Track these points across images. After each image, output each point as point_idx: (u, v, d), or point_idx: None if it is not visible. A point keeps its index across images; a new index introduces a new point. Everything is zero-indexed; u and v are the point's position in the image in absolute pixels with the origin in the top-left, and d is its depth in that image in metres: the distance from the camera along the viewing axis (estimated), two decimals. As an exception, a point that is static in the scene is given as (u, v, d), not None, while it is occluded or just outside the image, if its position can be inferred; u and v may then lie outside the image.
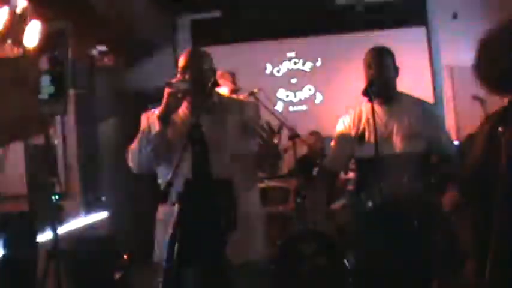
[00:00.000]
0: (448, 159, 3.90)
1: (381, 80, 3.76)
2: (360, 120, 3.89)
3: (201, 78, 3.42)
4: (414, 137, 3.79)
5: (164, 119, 3.32)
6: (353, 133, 3.89)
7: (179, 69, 3.47)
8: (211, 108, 3.42)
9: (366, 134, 3.82)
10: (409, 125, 3.80)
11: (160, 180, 3.53)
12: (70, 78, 5.44)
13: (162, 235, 3.43)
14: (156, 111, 3.39)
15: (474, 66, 2.51)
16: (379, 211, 3.70)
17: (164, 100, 3.34)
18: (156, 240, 3.52)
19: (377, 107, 3.72)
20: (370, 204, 3.75)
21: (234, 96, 4.30)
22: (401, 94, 3.97)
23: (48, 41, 5.00)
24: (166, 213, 3.36)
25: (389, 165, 3.63)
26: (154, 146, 3.35)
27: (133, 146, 3.46)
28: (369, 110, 3.67)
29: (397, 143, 3.76)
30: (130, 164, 3.50)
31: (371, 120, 3.60)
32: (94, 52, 6.76)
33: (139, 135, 3.45)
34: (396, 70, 3.89)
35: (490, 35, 2.52)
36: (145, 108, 3.60)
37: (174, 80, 3.38)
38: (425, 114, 3.89)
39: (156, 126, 3.33)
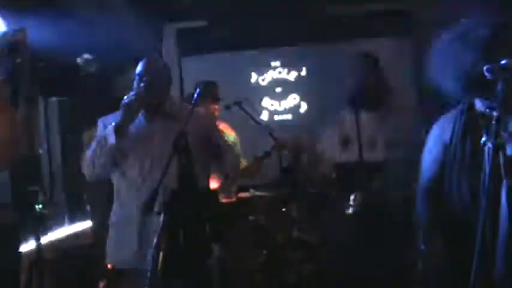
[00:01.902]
0: None
1: (366, 88, 3.78)
2: (344, 127, 3.90)
3: (157, 87, 3.48)
4: (398, 145, 3.80)
5: (121, 132, 3.36)
6: (337, 139, 3.91)
7: (136, 76, 3.54)
8: (164, 116, 3.47)
9: (350, 140, 3.84)
10: (392, 133, 3.82)
11: (118, 185, 3.59)
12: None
13: (115, 237, 3.54)
14: (110, 118, 3.45)
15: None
16: (359, 218, 3.72)
17: (121, 113, 3.39)
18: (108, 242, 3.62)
19: (362, 115, 3.73)
20: (351, 211, 3.76)
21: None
22: (386, 102, 3.99)
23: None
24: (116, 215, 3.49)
25: (372, 172, 3.64)
26: (109, 158, 3.40)
27: (88, 155, 3.50)
28: (353, 117, 3.69)
29: (381, 151, 3.77)
30: (84, 171, 3.55)
31: (354, 128, 3.61)
32: (79, 60, 6.73)
33: (94, 144, 3.50)
34: (383, 79, 3.90)
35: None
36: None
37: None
38: (410, 122, 3.91)
39: (111, 138, 3.37)
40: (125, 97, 3.44)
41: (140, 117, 3.55)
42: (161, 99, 3.55)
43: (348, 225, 3.88)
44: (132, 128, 3.47)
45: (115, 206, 3.64)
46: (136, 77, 3.55)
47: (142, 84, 3.48)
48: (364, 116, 3.78)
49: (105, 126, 3.52)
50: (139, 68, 3.57)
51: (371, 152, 3.72)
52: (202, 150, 3.49)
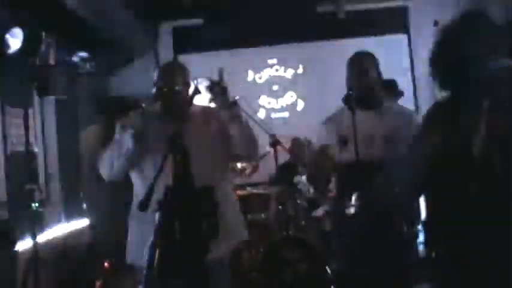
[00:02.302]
0: None
1: (363, 86, 3.77)
2: (342, 126, 3.89)
3: (177, 94, 3.48)
4: (395, 144, 3.80)
5: (138, 138, 3.37)
6: (335, 138, 3.89)
7: (155, 84, 3.53)
8: (186, 118, 3.45)
9: (347, 139, 3.82)
10: (390, 131, 3.81)
11: (137, 188, 3.59)
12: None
13: (134, 235, 3.53)
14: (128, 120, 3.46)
15: None
16: (360, 218, 3.71)
17: (135, 121, 3.40)
18: (128, 240, 3.61)
19: (359, 113, 3.72)
20: (351, 210, 3.75)
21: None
22: (384, 100, 3.98)
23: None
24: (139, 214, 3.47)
25: (371, 171, 3.63)
26: (127, 160, 3.41)
27: (106, 155, 3.50)
28: (350, 116, 3.67)
29: (379, 150, 3.76)
30: (102, 172, 3.55)
31: (352, 127, 3.60)
32: (76, 59, 6.72)
33: (112, 145, 3.50)
34: (380, 76, 3.89)
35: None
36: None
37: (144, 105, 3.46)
38: (407, 121, 3.90)
39: (129, 143, 3.37)
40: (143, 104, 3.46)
41: (158, 117, 3.54)
42: (180, 110, 3.54)
43: (349, 225, 3.87)
44: (150, 129, 3.46)
45: (133, 206, 3.63)
46: (156, 88, 3.54)
47: (163, 94, 3.50)
48: (362, 114, 3.77)
49: (122, 127, 3.52)
50: (157, 77, 3.57)
51: (369, 150, 3.70)
52: (222, 142, 3.53)
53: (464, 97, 2.53)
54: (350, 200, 3.75)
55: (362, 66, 3.84)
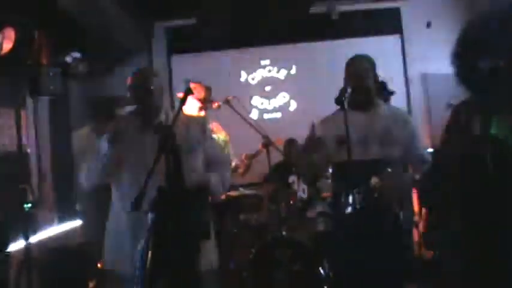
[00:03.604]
0: (420, 166, 3.96)
1: (362, 88, 3.80)
2: (339, 126, 3.91)
3: (150, 98, 3.51)
4: (389, 145, 3.82)
5: (111, 139, 3.39)
6: (332, 139, 3.91)
7: (128, 88, 3.57)
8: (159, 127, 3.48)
9: (344, 140, 3.84)
10: (384, 132, 3.84)
11: (113, 195, 3.61)
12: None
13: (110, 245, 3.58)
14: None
15: None
16: (356, 217, 3.72)
17: (111, 123, 3.43)
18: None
19: (354, 114, 3.74)
20: (348, 210, 3.76)
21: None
22: (379, 102, 4.01)
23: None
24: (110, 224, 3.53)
25: (365, 172, 3.65)
26: (104, 167, 3.43)
27: (87, 165, 3.53)
28: (345, 117, 3.70)
29: (373, 150, 3.79)
30: (83, 181, 3.58)
31: (349, 128, 3.62)
32: (68, 59, 6.70)
33: (92, 155, 3.53)
34: (376, 79, 3.93)
35: None
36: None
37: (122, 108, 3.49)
38: (400, 122, 3.94)
39: (104, 146, 3.40)
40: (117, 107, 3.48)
41: (134, 126, 3.56)
42: (155, 110, 3.58)
43: (345, 224, 3.89)
44: (127, 138, 3.48)
45: (110, 215, 3.67)
46: (130, 89, 3.58)
47: (134, 98, 3.53)
48: (358, 115, 3.79)
49: (98, 137, 3.56)
50: (131, 80, 3.60)
51: (364, 151, 3.72)
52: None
53: (489, 95, 2.53)
54: (346, 200, 3.77)
55: (362, 68, 3.88)
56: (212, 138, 3.89)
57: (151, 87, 3.55)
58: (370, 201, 3.64)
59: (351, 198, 3.74)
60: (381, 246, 3.68)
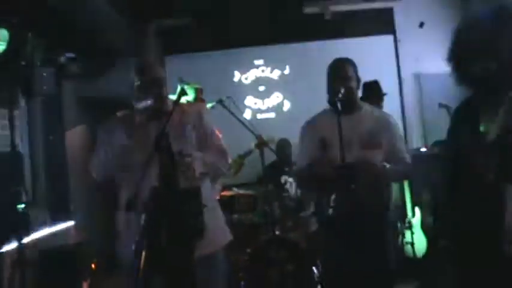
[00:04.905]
0: (401, 167, 3.97)
1: (345, 91, 3.80)
2: (323, 129, 3.92)
3: (161, 89, 3.51)
4: (373, 147, 3.84)
5: (128, 132, 3.39)
6: (316, 141, 3.92)
7: (140, 80, 3.53)
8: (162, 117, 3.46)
9: (328, 142, 3.85)
10: (367, 135, 3.86)
11: (123, 189, 3.58)
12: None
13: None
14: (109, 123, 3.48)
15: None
16: (338, 219, 3.75)
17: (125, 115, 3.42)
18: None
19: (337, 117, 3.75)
20: (330, 212, 3.78)
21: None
22: (361, 104, 4.03)
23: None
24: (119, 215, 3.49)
25: (349, 174, 3.65)
26: (118, 158, 3.41)
27: (97, 156, 3.52)
28: (331, 119, 3.71)
29: (356, 153, 3.79)
30: (94, 173, 3.56)
31: (335, 130, 3.63)
32: (62, 59, 6.69)
33: (102, 146, 3.51)
34: (358, 81, 3.95)
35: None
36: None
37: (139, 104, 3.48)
38: (383, 124, 3.95)
39: (117, 139, 3.39)
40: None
41: (141, 117, 3.54)
42: (165, 100, 3.56)
43: (329, 226, 3.92)
44: (137, 131, 3.48)
45: (120, 206, 3.63)
46: (137, 81, 3.55)
47: (146, 90, 3.50)
48: (342, 118, 3.78)
49: (107, 131, 3.54)
50: (138, 72, 3.58)
51: (348, 153, 3.71)
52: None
53: (488, 92, 2.55)
54: (328, 201, 3.79)
55: (344, 72, 3.89)
56: (209, 124, 3.79)
57: (163, 76, 3.56)
58: (352, 203, 3.65)
59: (332, 200, 3.76)
60: (365, 247, 3.70)
